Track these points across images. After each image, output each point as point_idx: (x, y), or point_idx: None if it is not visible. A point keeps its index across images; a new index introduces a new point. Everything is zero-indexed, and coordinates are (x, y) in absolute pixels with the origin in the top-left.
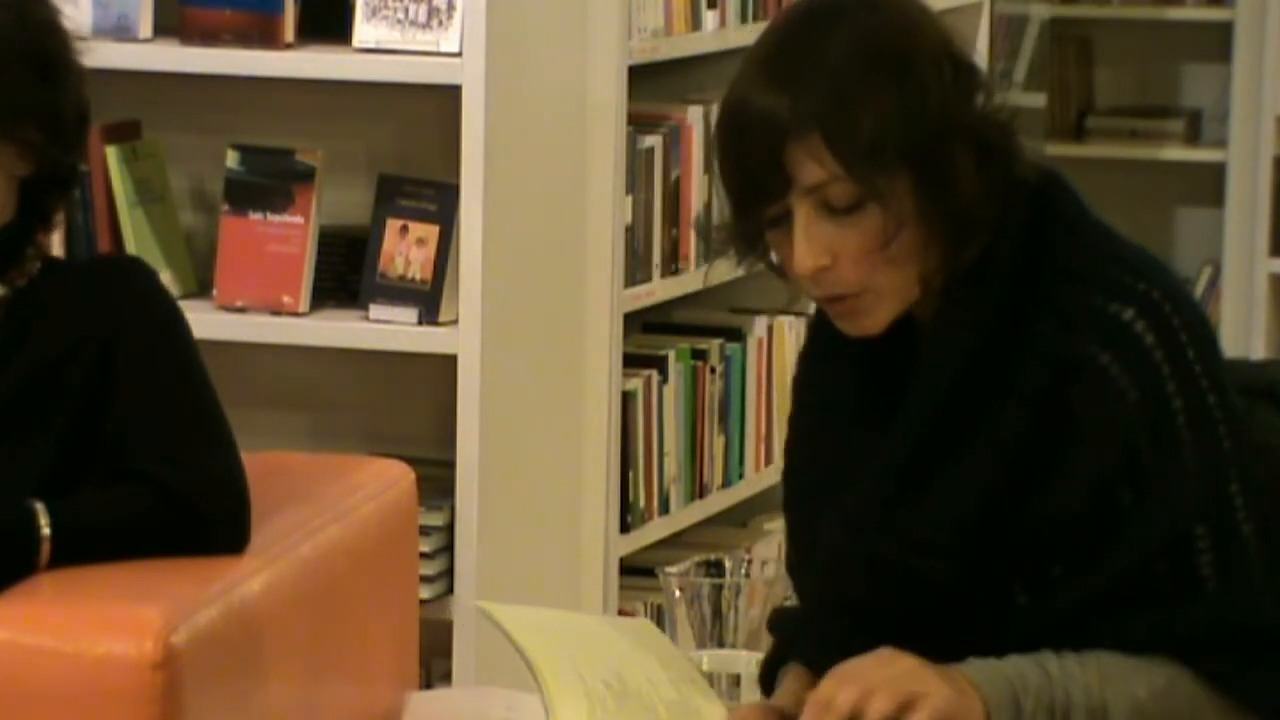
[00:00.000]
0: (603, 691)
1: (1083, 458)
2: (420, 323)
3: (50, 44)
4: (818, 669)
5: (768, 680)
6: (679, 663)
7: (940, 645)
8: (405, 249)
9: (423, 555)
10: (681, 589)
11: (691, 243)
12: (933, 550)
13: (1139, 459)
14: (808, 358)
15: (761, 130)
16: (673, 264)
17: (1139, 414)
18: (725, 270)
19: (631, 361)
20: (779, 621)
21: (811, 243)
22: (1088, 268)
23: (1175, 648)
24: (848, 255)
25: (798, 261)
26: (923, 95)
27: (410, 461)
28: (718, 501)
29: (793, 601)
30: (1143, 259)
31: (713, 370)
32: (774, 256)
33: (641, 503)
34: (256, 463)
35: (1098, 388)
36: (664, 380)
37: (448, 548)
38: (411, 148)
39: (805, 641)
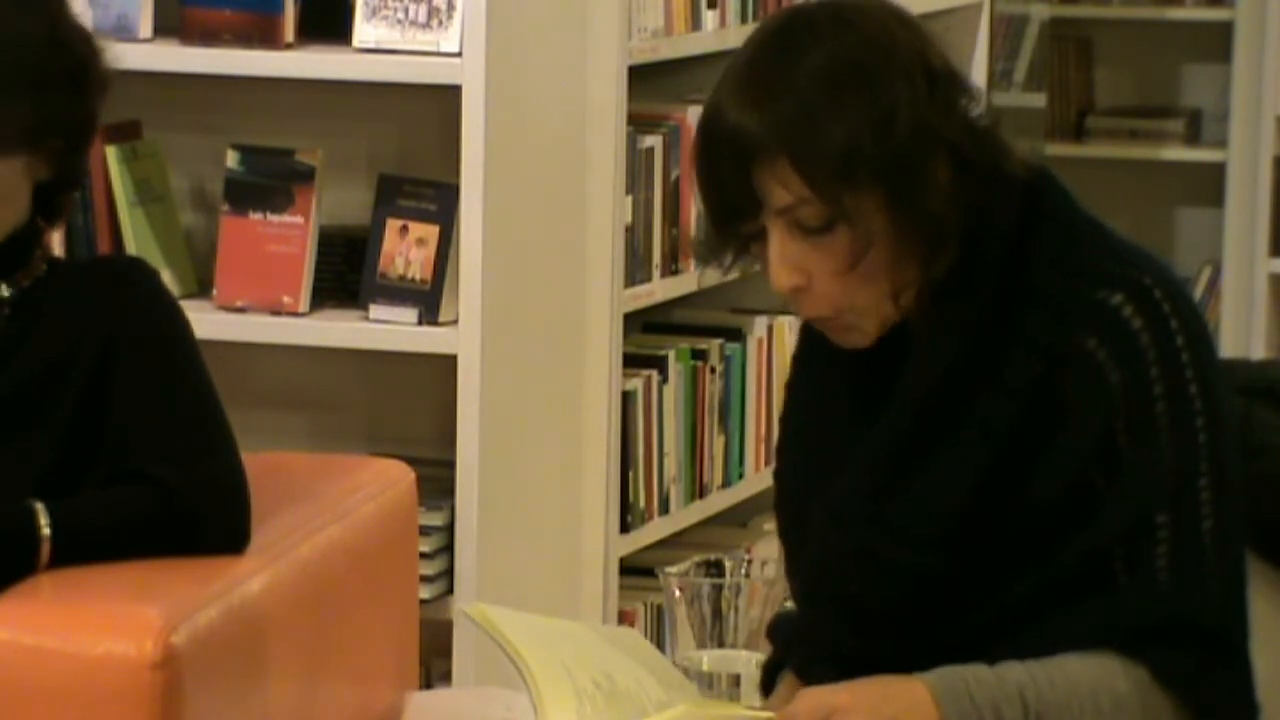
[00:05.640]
0: (592, 690)
1: (1067, 444)
2: (420, 323)
3: (84, 53)
4: (806, 676)
5: (768, 685)
6: (667, 669)
7: (930, 639)
8: (405, 249)
9: (423, 555)
10: (681, 589)
11: (691, 242)
12: (919, 542)
13: (1115, 442)
14: (800, 359)
15: (731, 151)
16: (673, 264)
17: (1120, 397)
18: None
19: (631, 361)
20: (777, 627)
21: (785, 263)
22: (1078, 260)
23: (1124, 640)
24: (822, 273)
25: (773, 281)
26: (892, 114)
27: (410, 461)
28: (718, 501)
29: (793, 604)
30: (1135, 252)
31: (713, 370)
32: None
33: (641, 503)
34: (256, 463)
35: (1086, 374)
36: (664, 380)
37: (448, 548)
38: (411, 148)
39: (797, 648)
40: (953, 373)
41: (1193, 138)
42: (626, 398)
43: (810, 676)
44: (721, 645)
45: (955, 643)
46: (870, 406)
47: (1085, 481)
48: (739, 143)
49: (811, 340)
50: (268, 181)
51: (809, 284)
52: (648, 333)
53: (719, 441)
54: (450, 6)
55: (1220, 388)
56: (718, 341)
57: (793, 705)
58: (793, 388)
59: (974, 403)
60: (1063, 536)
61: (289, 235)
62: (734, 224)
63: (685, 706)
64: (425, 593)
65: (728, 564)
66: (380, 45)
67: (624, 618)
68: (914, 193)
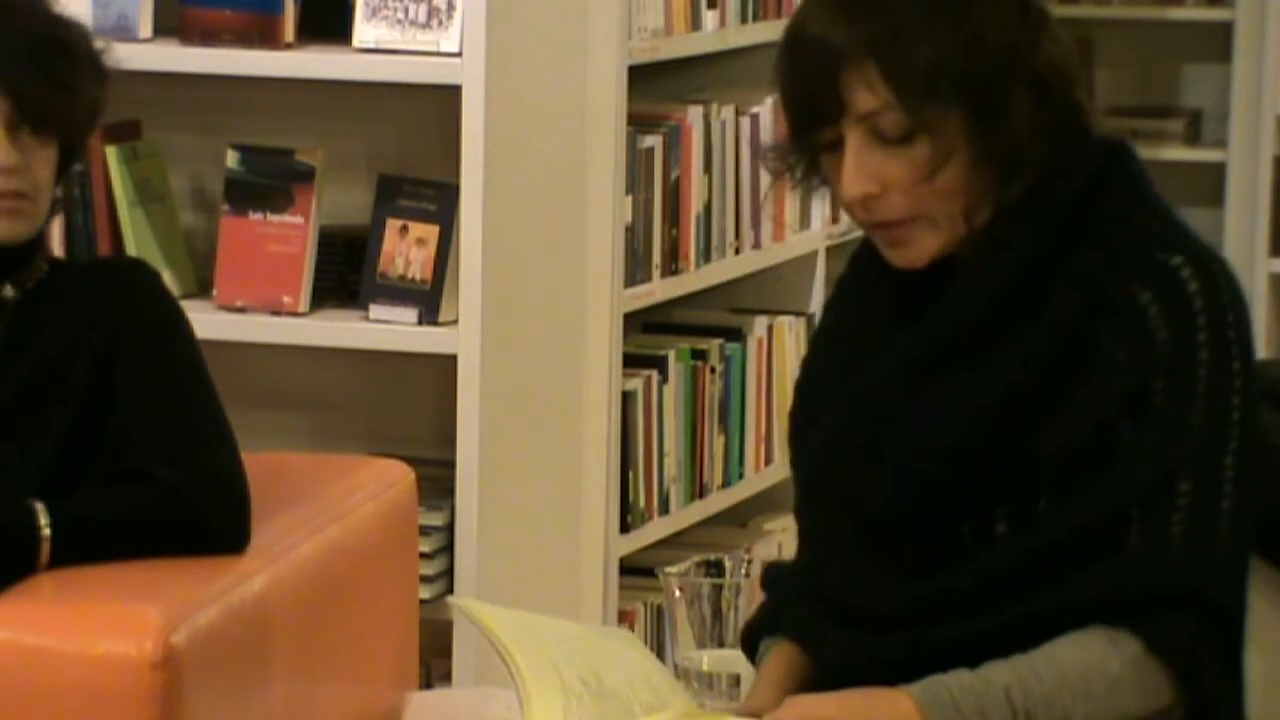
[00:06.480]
0: (579, 688)
1: (1096, 393)
2: (420, 323)
3: (96, 47)
4: (804, 635)
5: (749, 643)
6: (657, 670)
7: (911, 561)
8: (405, 249)
9: (423, 555)
10: (681, 589)
11: (692, 242)
12: (928, 449)
13: (1150, 399)
14: (843, 282)
15: (819, 55)
16: (673, 264)
17: (1164, 353)
18: (725, 270)
19: (631, 361)
20: (773, 579)
21: (860, 170)
22: (1144, 221)
23: (1126, 606)
24: (896, 184)
25: (846, 187)
26: (982, 32)
27: (410, 461)
28: (718, 501)
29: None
30: (1198, 235)
31: (713, 370)
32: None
33: (641, 503)
34: (256, 463)
35: (1130, 325)
36: (664, 380)
37: (448, 548)
38: (411, 148)
39: (796, 603)
40: (998, 299)
41: (1193, 138)
42: (626, 398)
43: (808, 636)
44: (721, 645)
45: (962, 599)
46: (908, 329)
47: (1109, 431)
48: (827, 49)
49: (859, 267)
50: (268, 181)
51: (882, 194)
52: (648, 333)
53: (719, 441)
54: (450, 6)
55: (1255, 372)
56: (718, 341)
57: (779, 713)
58: (829, 308)
59: (1012, 331)
60: (1076, 486)
61: (289, 235)
62: (813, 129)
63: (674, 712)
64: (425, 593)
65: (728, 564)
66: (380, 45)
67: (624, 618)
68: (995, 113)
